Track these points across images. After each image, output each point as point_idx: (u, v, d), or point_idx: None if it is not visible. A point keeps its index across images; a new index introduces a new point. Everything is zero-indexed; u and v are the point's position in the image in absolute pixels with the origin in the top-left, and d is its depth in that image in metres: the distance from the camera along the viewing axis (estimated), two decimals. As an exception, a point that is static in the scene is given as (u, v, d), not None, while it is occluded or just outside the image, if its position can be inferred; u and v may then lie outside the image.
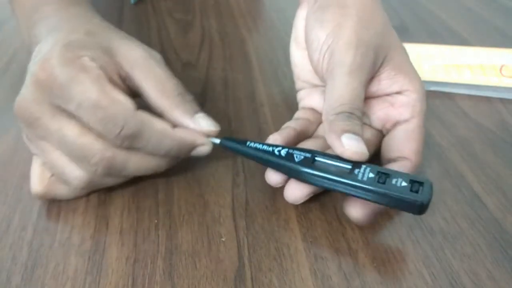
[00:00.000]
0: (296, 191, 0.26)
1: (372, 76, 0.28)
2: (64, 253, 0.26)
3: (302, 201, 0.27)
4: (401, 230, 0.27)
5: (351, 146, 0.24)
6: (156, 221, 0.28)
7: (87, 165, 0.25)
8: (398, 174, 0.24)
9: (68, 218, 0.28)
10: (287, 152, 0.26)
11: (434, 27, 0.48)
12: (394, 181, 0.23)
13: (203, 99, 0.38)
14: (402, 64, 0.29)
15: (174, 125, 0.27)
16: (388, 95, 0.29)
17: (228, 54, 0.45)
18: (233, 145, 0.28)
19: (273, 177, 0.27)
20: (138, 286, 0.24)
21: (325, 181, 0.24)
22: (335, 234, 0.27)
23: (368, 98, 0.29)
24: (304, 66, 0.32)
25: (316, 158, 0.25)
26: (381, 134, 0.30)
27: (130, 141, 0.25)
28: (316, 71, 0.30)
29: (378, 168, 0.24)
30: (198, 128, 0.27)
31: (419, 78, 0.29)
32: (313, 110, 0.32)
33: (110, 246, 0.26)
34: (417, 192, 0.23)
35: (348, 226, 0.27)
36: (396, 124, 0.28)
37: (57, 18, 0.30)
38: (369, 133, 0.29)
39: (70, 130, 0.25)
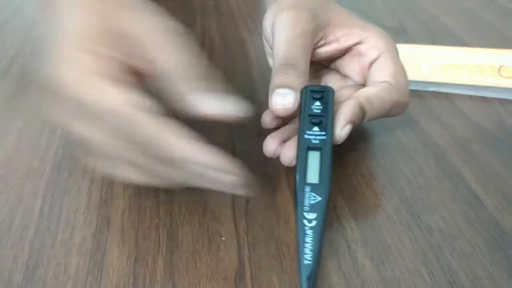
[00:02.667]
0: (290, 152, 0.27)
1: (316, 35, 0.30)
2: (66, 252, 0.26)
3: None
4: (400, 230, 0.27)
5: (276, 103, 0.26)
6: (157, 220, 0.28)
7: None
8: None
9: (69, 217, 0.28)
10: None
11: (432, 28, 0.49)
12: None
13: (203, 99, 0.38)
14: (353, 22, 0.31)
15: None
16: (350, 48, 0.31)
17: (228, 55, 0.45)
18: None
19: (270, 146, 0.28)
20: (139, 285, 0.24)
21: None
22: (335, 234, 0.27)
23: (338, 58, 0.32)
24: None
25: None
26: None
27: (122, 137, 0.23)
28: None
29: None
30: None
31: (375, 27, 0.31)
32: None
33: (111, 246, 0.26)
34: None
35: (347, 226, 0.27)
36: (370, 66, 0.30)
37: None
38: (353, 91, 0.30)
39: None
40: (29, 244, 0.27)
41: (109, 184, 0.30)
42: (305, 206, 0.24)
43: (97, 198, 0.29)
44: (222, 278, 0.24)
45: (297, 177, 0.25)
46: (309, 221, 0.23)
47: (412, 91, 0.38)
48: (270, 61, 0.35)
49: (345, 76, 0.33)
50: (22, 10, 0.57)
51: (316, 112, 0.26)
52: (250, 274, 0.24)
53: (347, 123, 0.27)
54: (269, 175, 0.31)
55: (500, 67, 0.39)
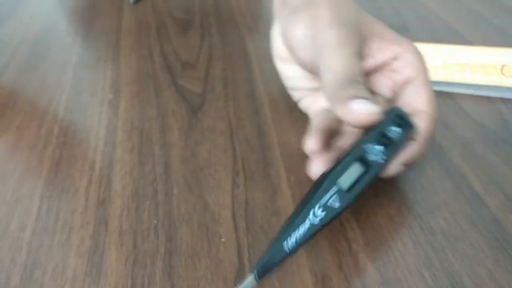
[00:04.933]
0: (319, 166, 0.26)
1: (362, 52, 0.28)
2: (63, 253, 0.26)
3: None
4: (402, 231, 0.27)
5: (360, 109, 0.24)
6: (155, 221, 0.27)
7: None
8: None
9: (67, 218, 0.28)
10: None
11: (434, 26, 0.48)
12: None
13: (203, 99, 0.38)
14: (388, 35, 0.30)
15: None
16: (385, 64, 0.29)
17: (228, 53, 0.45)
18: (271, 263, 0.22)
19: (311, 143, 0.26)
20: (137, 287, 0.24)
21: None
22: (336, 234, 0.26)
23: (369, 74, 0.30)
24: (296, 75, 0.32)
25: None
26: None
27: None
28: (306, 68, 0.30)
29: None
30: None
31: (410, 41, 0.30)
32: (327, 110, 0.31)
33: (109, 247, 0.26)
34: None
35: (348, 227, 0.27)
36: (404, 84, 0.29)
37: None
38: (381, 100, 0.29)
39: None
40: (26, 245, 0.26)
41: (107, 185, 0.30)
42: (322, 200, 0.22)
43: (94, 199, 0.29)
44: (221, 280, 0.24)
45: (330, 174, 0.23)
46: (315, 215, 0.22)
47: (414, 90, 0.38)
48: (279, 63, 0.33)
49: (373, 93, 0.30)
50: (19, 10, 0.57)
51: (390, 136, 0.24)
52: (250, 276, 0.24)
53: (402, 164, 0.26)
54: (269, 176, 0.30)
55: (503, 66, 0.39)
